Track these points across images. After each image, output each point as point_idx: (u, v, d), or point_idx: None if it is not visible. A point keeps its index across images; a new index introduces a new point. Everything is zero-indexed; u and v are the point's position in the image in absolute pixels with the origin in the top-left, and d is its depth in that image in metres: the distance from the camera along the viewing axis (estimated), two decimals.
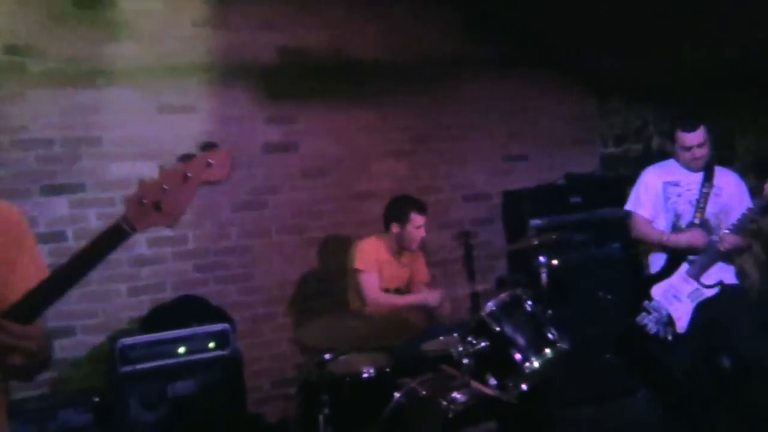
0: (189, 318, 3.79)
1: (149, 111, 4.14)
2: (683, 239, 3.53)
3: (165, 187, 1.63)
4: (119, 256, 4.02)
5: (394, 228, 3.90)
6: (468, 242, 4.97)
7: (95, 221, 3.95)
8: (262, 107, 4.43)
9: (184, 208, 1.65)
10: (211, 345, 3.70)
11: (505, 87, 5.20)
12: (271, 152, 4.47)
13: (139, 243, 4.09)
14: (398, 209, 3.92)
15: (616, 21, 4.33)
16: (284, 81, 4.49)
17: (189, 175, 1.66)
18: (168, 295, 4.13)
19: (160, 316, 3.88)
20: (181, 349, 3.64)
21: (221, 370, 3.73)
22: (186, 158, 1.67)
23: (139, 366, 3.54)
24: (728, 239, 3.39)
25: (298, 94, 4.53)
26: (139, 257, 4.10)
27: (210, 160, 1.67)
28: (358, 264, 3.86)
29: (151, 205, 1.62)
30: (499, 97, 5.19)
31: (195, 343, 3.68)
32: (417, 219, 3.88)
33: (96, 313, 4.00)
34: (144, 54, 4.13)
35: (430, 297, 3.93)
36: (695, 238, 3.48)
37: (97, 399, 3.59)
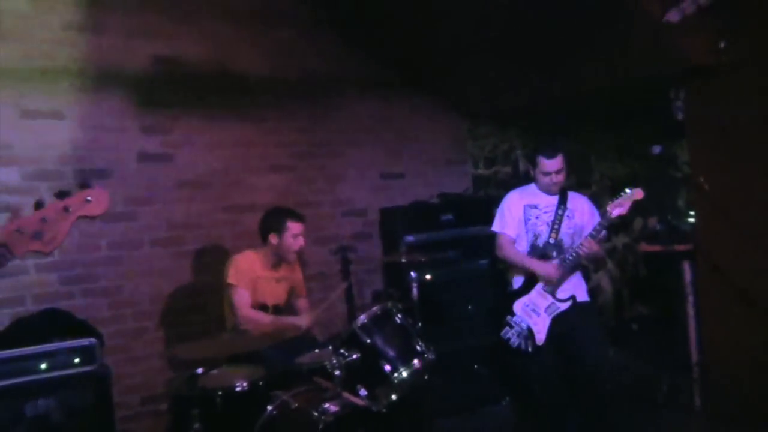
0: (52, 333, 3.60)
1: (11, 116, 3.93)
2: (539, 268, 3.77)
3: (44, 218, 1.81)
4: None
5: (272, 238, 3.90)
6: (346, 257, 5.07)
7: None
8: (136, 116, 4.32)
9: (62, 238, 1.86)
10: (76, 361, 3.53)
11: (384, 108, 5.39)
12: (146, 162, 4.36)
13: None
14: (274, 219, 3.93)
15: (488, 52, 4.62)
16: (160, 91, 4.41)
17: (69, 208, 1.86)
18: (28, 308, 3.91)
19: (20, 331, 3.67)
20: (43, 366, 3.45)
21: (87, 387, 3.55)
22: (64, 194, 1.88)
23: None
24: (587, 243, 3.65)
25: (174, 104, 4.46)
26: None
27: (89, 197, 1.89)
28: (231, 278, 3.82)
29: (30, 234, 1.80)
30: (377, 117, 5.36)
31: (58, 359, 3.49)
32: (294, 227, 3.90)
33: None
34: (7, 55, 3.92)
35: (299, 320, 3.97)
36: (549, 271, 3.74)
37: None
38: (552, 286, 3.75)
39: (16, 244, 1.78)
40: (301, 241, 3.93)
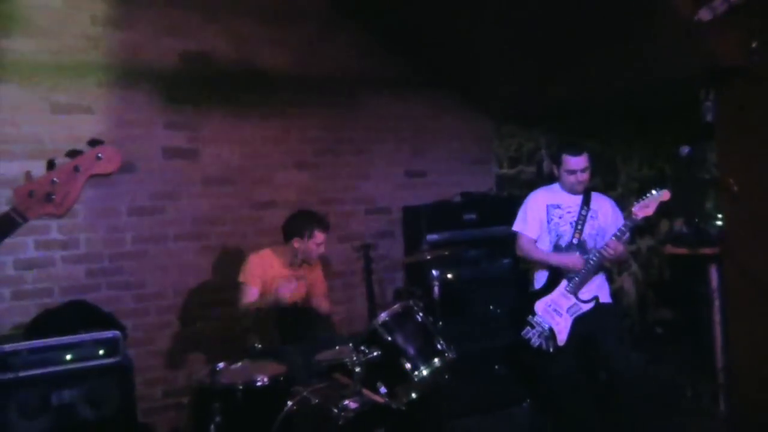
0: (77, 324, 3.66)
1: (41, 109, 4.00)
2: (563, 260, 3.75)
3: (55, 180, 1.76)
4: (4, 258, 3.87)
5: (296, 242, 3.93)
6: (368, 255, 5.07)
7: None
8: (163, 112, 4.37)
9: (74, 198, 1.79)
10: (100, 352, 3.59)
11: (409, 106, 5.38)
12: (172, 158, 4.41)
13: (26, 245, 3.93)
14: (302, 225, 3.94)
15: (515, 51, 4.58)
16: (187, 87, 4.45)
17: (80, 167, 1.80)
18: (56, 300, 3.97)
19: (47, 322, 3.73)
20: (68, 357, 3.51)
21: (110, 378, 3.61)
22: (75, 153, 1.83)
23: (21, 373, 3.38)
24: (611, 244, 3.60)
25: (201, 100, 4.50)
26: (25, 260, 3.94)
27: (99, 154, 1.84)
28: (241, 277, 3.89)
29: (42, 196, 1.75)
30: (402, 115, 5.35)
31: (83, 351, 3.55)
32: (320, 236, 3.93)
33: None
34: (38, 50, 4.00)
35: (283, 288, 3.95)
36: (573, 260, 3.72)
37: None
38: (575, 287, 3.71)
39: (29, 207, 1.73)
40: (322, 248, 3.98)
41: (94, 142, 1.84)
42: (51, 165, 1.78)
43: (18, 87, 3.94)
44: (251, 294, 3.86)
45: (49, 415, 3.43)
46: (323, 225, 3.96)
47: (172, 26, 4.39)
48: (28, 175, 1.77)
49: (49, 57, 4.02)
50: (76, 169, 1.78)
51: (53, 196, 1.74)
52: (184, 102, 4.44)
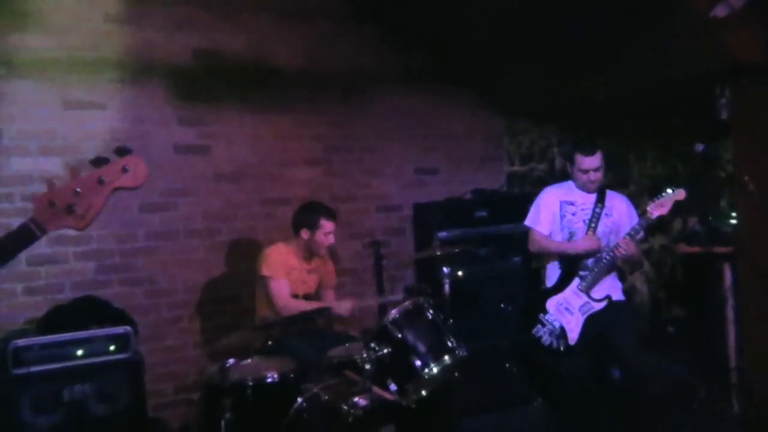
0: (89, 320, 3.68)
1: (54, 106, 4.02)
2: (580, 245, 3.73)
3: (78, 190, 1.65)
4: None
5: (304, 234, 3.93)
6: (378, 252, 5.05)
7: None
8: (175, 108, 4.38)
9: (97, 212, 1.69)
10: (112, 348, 3.60)
11: (420, 102, 5.36)
12: (183, 154, 4.42)
13: (39, 241, 3.93)
14: (308, 215, 3.96)
15: (527, 48, 4.55)
16: (199, 83, 4.46)
17: (104, 179, 1.68)
18: (67, 295, 4.00)
19: (58, 317, 3.75)
20: (80, 352, 3.52)
21: (121, 373, 3.62)
22: (101, 162, 1.70)
23: (33, 368, 3.40)
24: (623, 243, 3.59)
25: (213, 97, 4.51)
26: (38, 256, 3.95)
27: (126, 166, 1.72)
28: (265, 271, 3.86)
29: (63, 207, 1.65)
30: (413, 112, 5.34)
31: (94, 346, 3.56)
32: (327, 225, 3.93)
33: None
34: (51, 46, 4.01)
35: (339, 306, 3.98)
36: (589, 243, 3.69)
37: None
38: (587, 285, 3.68)
39: (49, 219, 1.64)
40: (331, 238, 3.97)
41: (121, 151, 1.73)
42: (75, 173, 1.66)
43: (31, 83, 3.96)
44: (284, 286, 3.85)
45: (61, 410, 3.44)
46: (330, 214, 3.96)
47: (185, 23, 4.40)
48: (50, 183, 1.65)
49: (62, 53, 4.04)
50: (100, 181, 1.68)
51: (75, 208, 1.65)
52: (197, 98, 4.45)
